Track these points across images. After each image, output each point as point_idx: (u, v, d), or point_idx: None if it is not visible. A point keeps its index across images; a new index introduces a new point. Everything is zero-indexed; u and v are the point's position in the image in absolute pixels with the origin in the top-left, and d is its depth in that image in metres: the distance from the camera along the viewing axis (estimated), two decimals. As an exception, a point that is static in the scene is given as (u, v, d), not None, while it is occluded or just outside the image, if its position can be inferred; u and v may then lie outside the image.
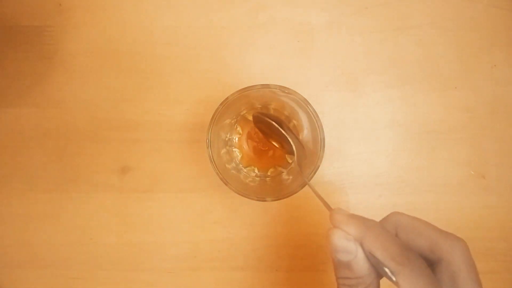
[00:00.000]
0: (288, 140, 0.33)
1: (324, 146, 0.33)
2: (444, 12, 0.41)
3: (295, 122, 0.38)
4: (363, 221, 0.23)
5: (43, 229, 0.40)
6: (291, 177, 0.37)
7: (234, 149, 0.39)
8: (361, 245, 0.23)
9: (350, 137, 0.41)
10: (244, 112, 0.39)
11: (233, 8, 0.41)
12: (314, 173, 0.33)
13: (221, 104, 0.33)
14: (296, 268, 0.40)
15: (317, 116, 0.33)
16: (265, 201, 0.33)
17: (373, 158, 0.40)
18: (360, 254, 0.23)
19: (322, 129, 0.33)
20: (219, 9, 0.41)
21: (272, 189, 0.37)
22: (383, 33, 0.41)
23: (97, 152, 0.40)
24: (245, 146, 0.39)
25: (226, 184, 0.33)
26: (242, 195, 0.33)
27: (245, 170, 0.39)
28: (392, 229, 0.24)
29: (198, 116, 0.40)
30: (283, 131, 0.33)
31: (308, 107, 0.33)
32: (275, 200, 0.33)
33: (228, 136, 0.39)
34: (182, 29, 0.41)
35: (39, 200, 0.40)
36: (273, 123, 0.33)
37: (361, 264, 0.23)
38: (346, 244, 0.23)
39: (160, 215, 0.40)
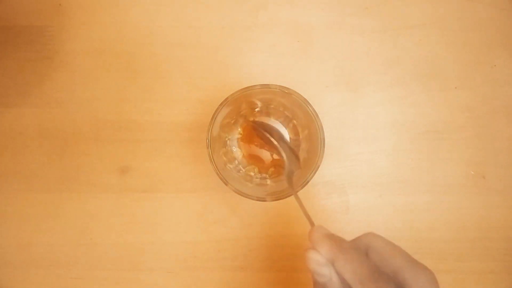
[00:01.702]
0: (280, 152, 0.33)
1: (324, 146, 0.33)
2: (444, 12, 0.41)
3: (295, 122, 0.38)
4: (337, 243, 0.24)
5: (43, 229, 0.40)
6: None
7: (234, 149, 0.39)
8: (334, 266, 0.23)
9: (350, 137, 0.41)
10: (244, 112, 0.39)
11: (233, 8, 0.41)
12: (314, 173, 0.33)
13: (221, 104, 0.33)
14: (296, 268, 0.40)
15: (317, 116, 0.33)
16: (265, 201, 0.33)
17: (373, 158, 0.40)
18: (334, 277, 0.23)
19: (322, 129, 0.33)
20: (219, 9, 0.41)
21: (272, 189, 0.37)
22: (383, 33, 0.41)
23: (97, 152, 0.40)
24: (245, 146, 0.39)
25: (226, 184, 0.33)
26: (242, 195, 0.33)
27: (245, 170, 0.39)
28: (363, 249, 0.25)
29: (198, 116, 0.40)
30: (275, 142, 0.33)
31: (308, 107, 0.33)
32: (275, 200, 0.33)
33: (228, 136, 0.39)
34: (182, 29, 0.41)
35: (39, 200, 0.40)
36: (267, 134, 0.33)
37: (335, 287, 0.23)
38: (320, 268, 0.23)
39: (160, 215, 0.40)
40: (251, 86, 0.32)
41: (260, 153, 0.39)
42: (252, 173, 0.39)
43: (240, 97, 0.33)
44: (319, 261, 0.24)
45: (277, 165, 0.39)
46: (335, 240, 0.24)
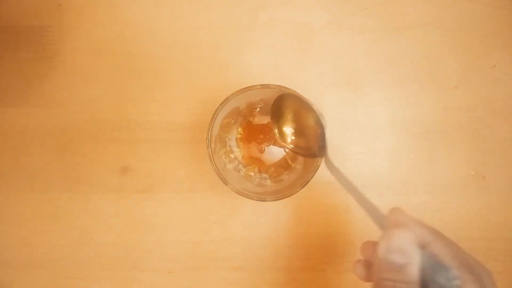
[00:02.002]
0: (317, 116, 0.32)
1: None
2: (444, 12, 0.41)
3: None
4: (428, 225, 0.24)
5: (43, 229, 0.40)
6: (291, 177, 0.37)
7: (234, 149, 0.39)
8: (426, 248, 0.23)
9: (350, 137, 0.41)
10: (244, 112, 0.39)
11: (233, 8, 0.41)
12: (314, 173, 0.33)
13: (221, 104, 0.33)
14: (296, 268, 0.40)
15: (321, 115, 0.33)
16: (265, 201, 0.33)
17: (373, 158, 0.40)
18: (417, 259, 0.22)
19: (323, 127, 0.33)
20: (219, 9, 0.41)
21: (272, 189, 0.37)
22: (383, 33, 0.41)
23: (97, 152, 0.40)
24: (245, 146, 0.39)
25: (226, 184, 0.33)
26: (242, 195, 0.33)
27: (245, 170, 0.39)
28: None
29: (198, 116, 0.40)
30: (310, 104, 0.32)
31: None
32: (275, 200, 0.33)
33: (228, 136, 0.39)
34: (182, 29, 0.41)
35: (39, 200, 0.40)
36: (303, 98, 0.32)
37: (414, 270, 0.22)
38: (408, 247, 0.22)
39: (160, 215, 0.40)
40: (251, 86, 0.33)
41: (262, 151, 0.39)
42: (252, 173, 0.39)
43: (240, 97, 0.33)
44: (410, 240, 0.22)
45: (278, 165, 0.39)
46: (423, 222, 0.24)
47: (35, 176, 0.40)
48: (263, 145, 0.39)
